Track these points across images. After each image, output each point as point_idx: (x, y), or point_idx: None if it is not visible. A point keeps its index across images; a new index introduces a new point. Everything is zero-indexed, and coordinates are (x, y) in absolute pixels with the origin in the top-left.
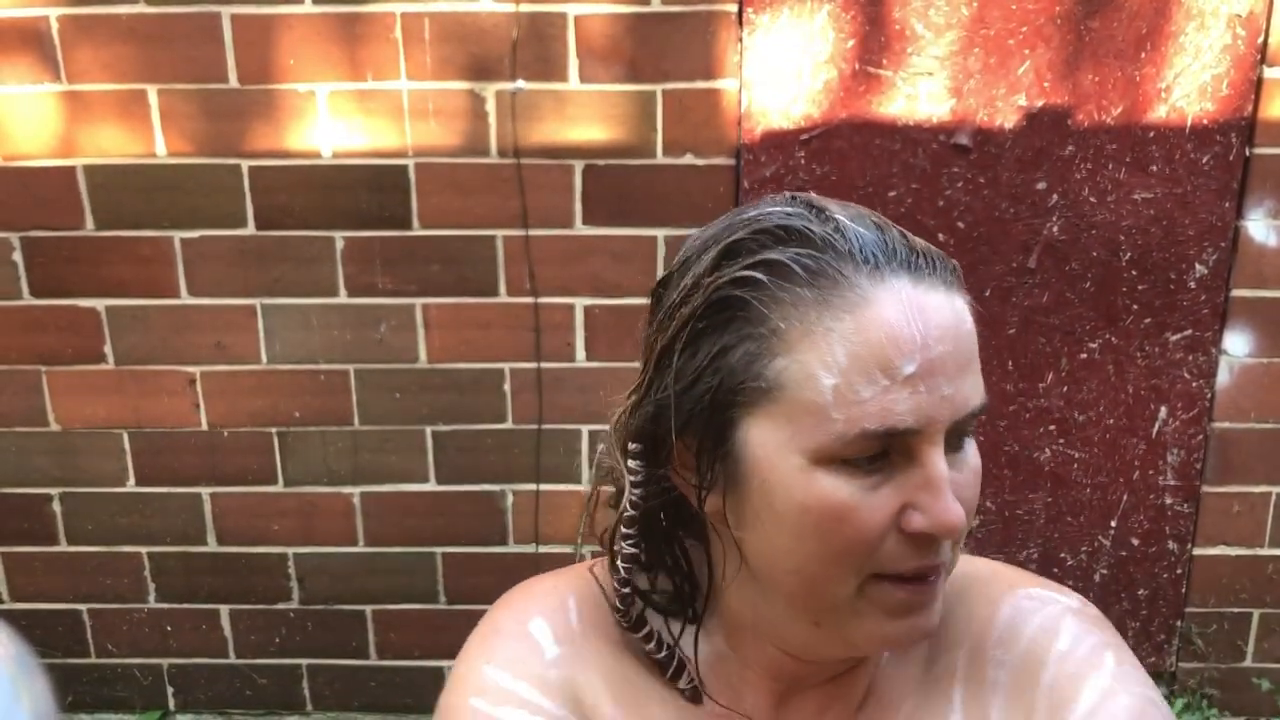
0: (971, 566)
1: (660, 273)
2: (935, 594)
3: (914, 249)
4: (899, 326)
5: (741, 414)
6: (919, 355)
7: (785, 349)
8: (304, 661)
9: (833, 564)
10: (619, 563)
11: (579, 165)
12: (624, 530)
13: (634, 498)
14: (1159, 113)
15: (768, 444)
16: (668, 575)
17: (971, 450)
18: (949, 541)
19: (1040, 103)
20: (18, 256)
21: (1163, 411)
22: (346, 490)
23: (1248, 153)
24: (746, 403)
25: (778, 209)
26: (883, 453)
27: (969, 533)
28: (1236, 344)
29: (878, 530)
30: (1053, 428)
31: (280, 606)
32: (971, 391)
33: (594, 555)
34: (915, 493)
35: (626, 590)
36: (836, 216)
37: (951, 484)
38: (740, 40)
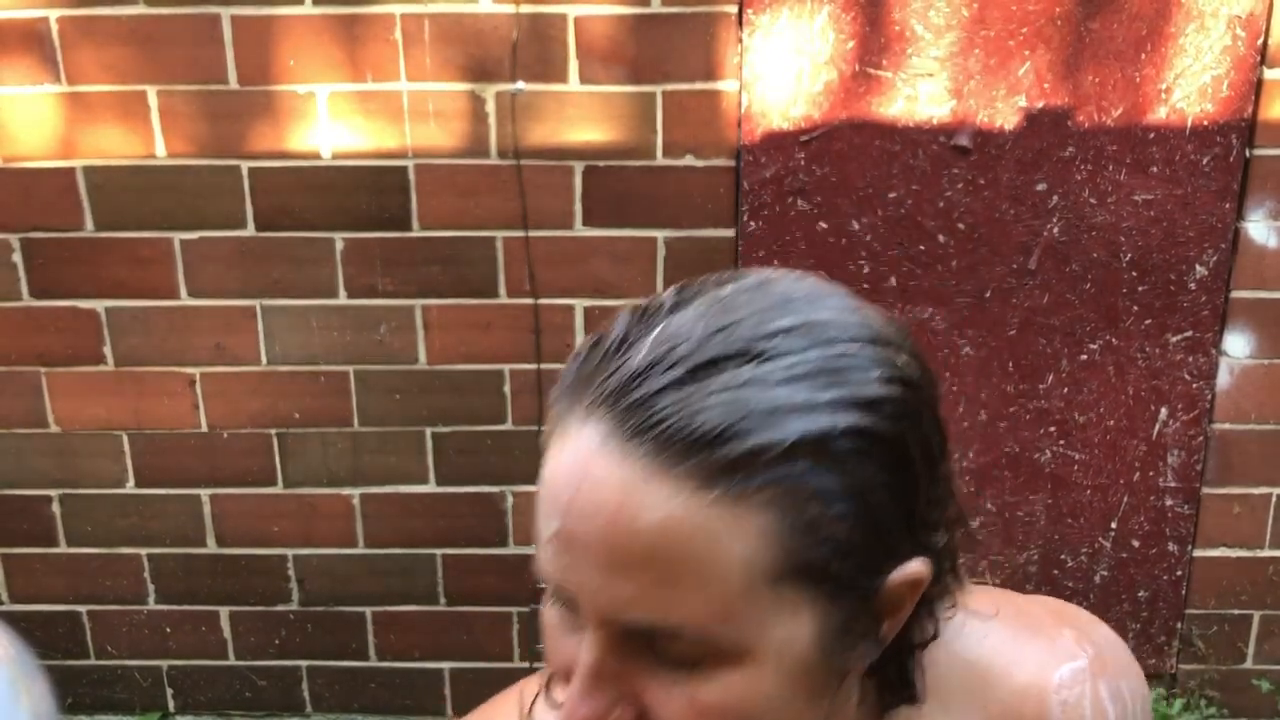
0: (980, 654)
1: (659, 275)
2: None
3: (653, 409)
4: (556, 478)
5: None
6: (559, 519)
7: None
8: (304, 663)
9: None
10: None
11: (579, 166)
12: None
13: None
14: (1159, 114)
15: None
16: None
17: (707, 680)
18: None
19: (1040, 104)
20: (17, 258)
21: (1163, 413)
22: (346, 491)
23: (1248, 154)
24: None
25: (664, 299)
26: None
27: None
28: (1237, 345)
29: (562, 671)
30: (1053, 429)
31: (280, 608)
32: (633, 601)
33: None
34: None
35: None
36: (656, 329)
37: (645, 695)
38: (740, 41)
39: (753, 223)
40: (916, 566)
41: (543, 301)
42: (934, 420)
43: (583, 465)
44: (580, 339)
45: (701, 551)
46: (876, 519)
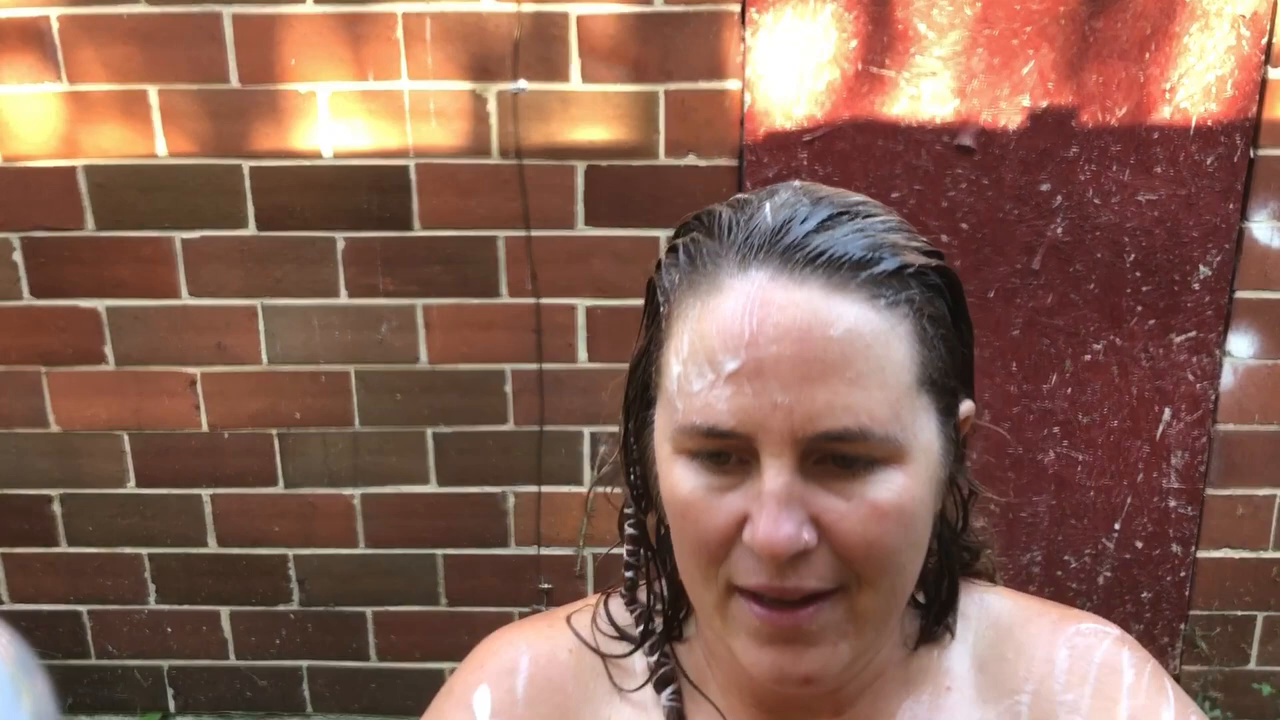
0: (1004, 607)
1: None
2: (800, 630)
3: (811, 246)
4: (731, 318)
5: (653, 406)
6: (744, 351)
7: (666, 335)
8: (304, 663)
9: (692, 563)
10: (624, 545)
11: (581, 166)
12: (627, 513)
13: (629, 503)
14: (1163, 114)
15: (657, 434)
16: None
17: (877, 482)
18: (809, 566)
19: (1044, 103)
20: (18, 257)
21: (1166, 413)
22: (347, 492)
23: (1252, 154)
24: (653, 395)
25: (743, 195)
26: (727, 453)
27: (883, 575)
28: (1240, 346)
29: (717, 534)
30: (1056, 430)
31: (280, 608)
32: (826, 409)
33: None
34: (753, 503)
35: (630, 575)
36: (765, 202)
37: (826, 513)
38: (743, 40)
39: None
40: (970, 405)
41: (544, 301)
42: None
43: (761, 298)
44: (581, 339)
45: (880, 352)
46: (955, 348)
